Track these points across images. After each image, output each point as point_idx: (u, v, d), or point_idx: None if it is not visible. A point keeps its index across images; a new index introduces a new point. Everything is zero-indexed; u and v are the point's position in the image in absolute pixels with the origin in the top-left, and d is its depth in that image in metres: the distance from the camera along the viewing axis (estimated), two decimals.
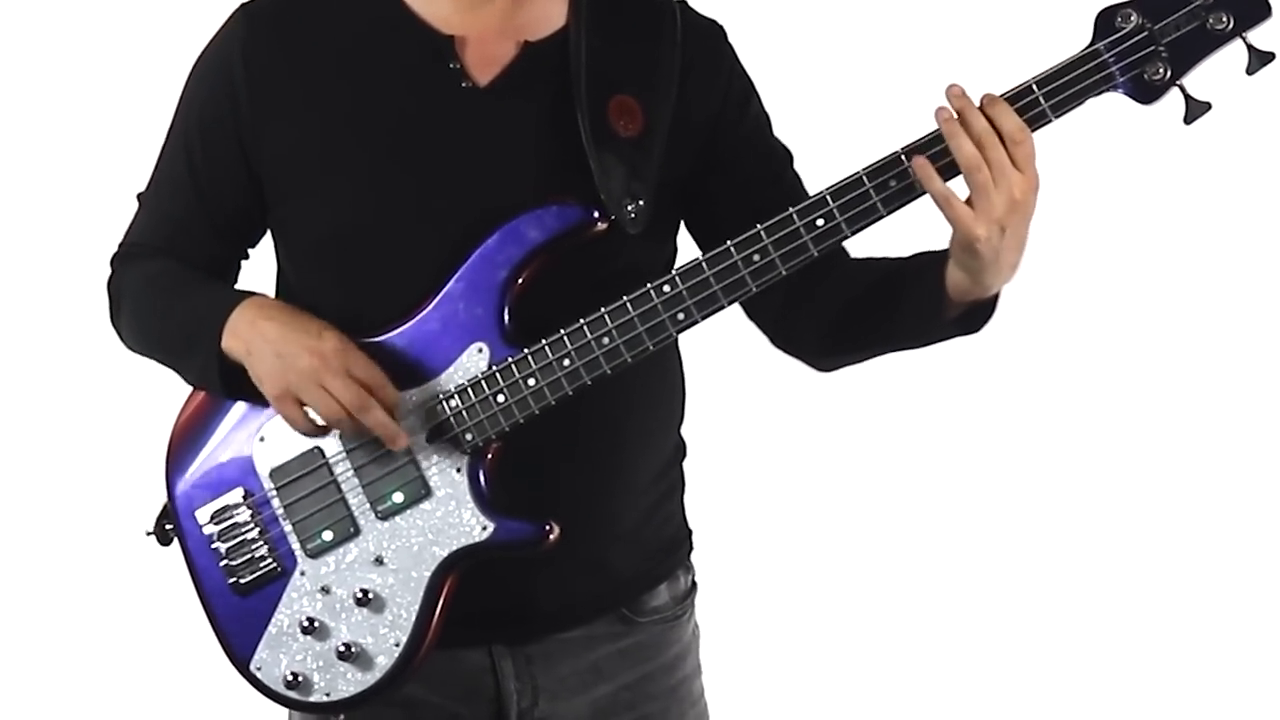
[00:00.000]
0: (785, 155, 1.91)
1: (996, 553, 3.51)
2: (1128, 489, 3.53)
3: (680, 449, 1.97)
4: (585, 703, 1.88)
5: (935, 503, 3.54)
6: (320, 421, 1.71)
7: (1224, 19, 1.61)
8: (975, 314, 1.71)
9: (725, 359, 2.66)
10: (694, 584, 1.99)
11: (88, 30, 3.42)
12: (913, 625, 3.51)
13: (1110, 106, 1.67)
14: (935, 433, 3.55)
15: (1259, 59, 1.62)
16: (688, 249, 1.87)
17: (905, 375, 3.33)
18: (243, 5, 1.84)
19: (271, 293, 1.88)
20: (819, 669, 3.46)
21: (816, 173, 1.82)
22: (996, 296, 1.70)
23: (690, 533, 1.99)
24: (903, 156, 1.65)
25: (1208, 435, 3.54)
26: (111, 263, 1.93)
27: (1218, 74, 1.64)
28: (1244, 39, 1.62)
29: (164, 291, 1.85)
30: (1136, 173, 3.38)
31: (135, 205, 1.92)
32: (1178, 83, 1.63)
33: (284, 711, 1.86)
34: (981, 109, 1.61)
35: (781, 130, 1.93)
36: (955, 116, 1.61)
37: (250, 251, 1.92)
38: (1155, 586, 3.50)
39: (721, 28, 1.90)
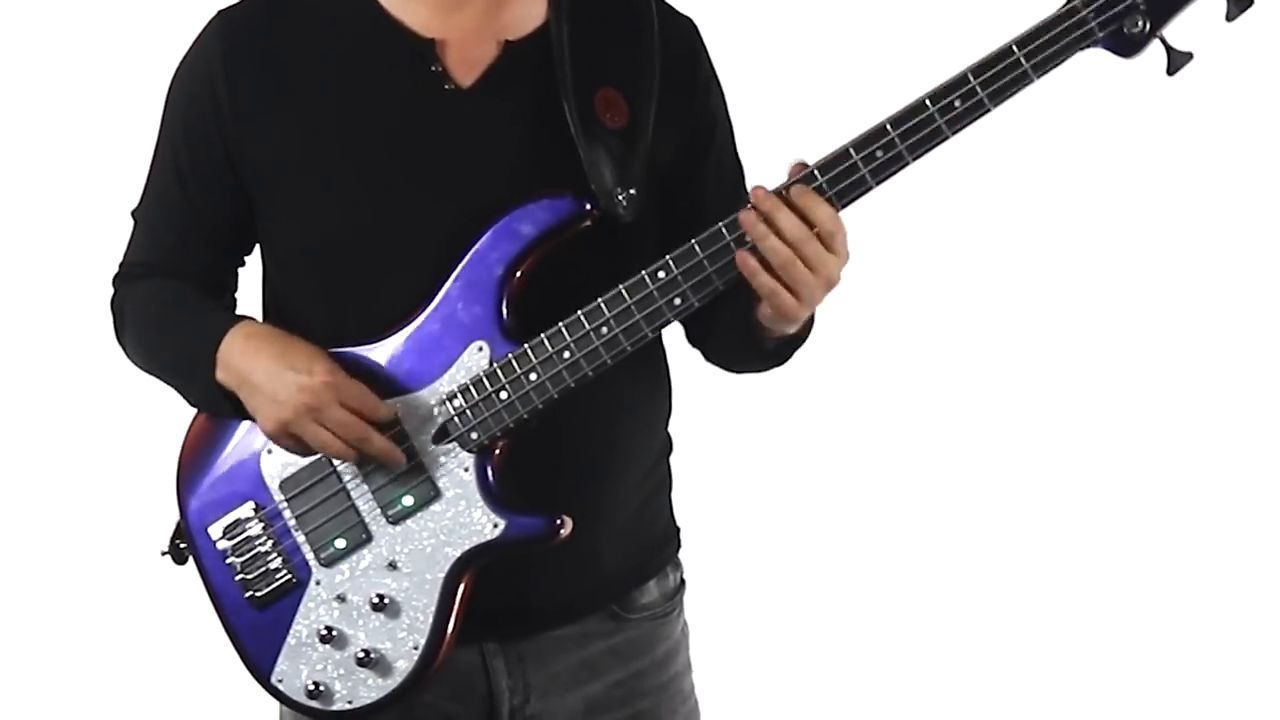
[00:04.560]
0: (740, 169, 1.93)
1: (985, 549, 3.50)
2: (1120, 489, 3.51)
3: (668, 445, 1.97)
4: (577, 699, 1.88)
5: (923, 499, 3.53)
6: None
7: None
8: (785, 349, 1.80)
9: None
10: (682, 581, 1.99)
11: (89, 35, 3.40)
12: (901, 621, 3.49)
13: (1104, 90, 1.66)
14: (922, 429, 3.53)
15: (1238, 5, 1.61)
16: None
17: (892, 372, 3.36)
18: (220, 12, 1.83)
19: (258, 299, 1.88)
20: (807, 665, 3.45)
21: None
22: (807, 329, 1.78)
23: (678, 529, 1.99)
24: (850, 150, 1.65)
25: (1205, 433, 3.51)
26: (113, 283, 1.93)
27: (1198, 23, 1.64)
28: None
29: (157, 319, 1.85)
30: (1134, 162, 3.37)
31: (131, 222, 1.92)
32: (1158, 34, 1.63)
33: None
34: (791, 201, 1.63)
35: (748, 126, 1.94)
36: (762, 219, 1.63)
37: (246, 259, 1.92)
38: (1152, 586, 3.48)
39: (695, 25, 1.91)
